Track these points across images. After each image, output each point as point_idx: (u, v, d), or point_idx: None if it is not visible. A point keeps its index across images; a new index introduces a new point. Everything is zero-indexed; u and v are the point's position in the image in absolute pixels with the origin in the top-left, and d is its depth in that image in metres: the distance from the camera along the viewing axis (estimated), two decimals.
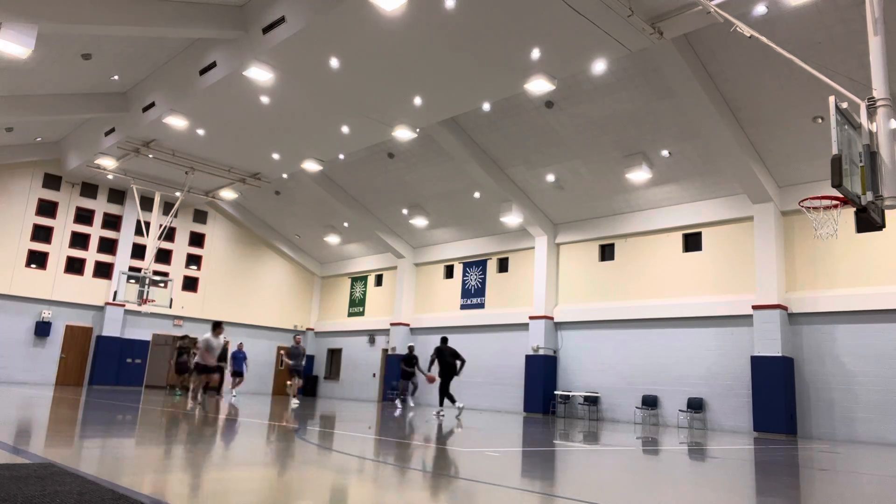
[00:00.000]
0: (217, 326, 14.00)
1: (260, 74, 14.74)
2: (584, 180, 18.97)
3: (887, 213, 6.86)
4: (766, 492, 4.97)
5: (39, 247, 23.64)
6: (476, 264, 23.93)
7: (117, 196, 25.73)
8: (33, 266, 23.44)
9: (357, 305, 28.96)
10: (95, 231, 25.02)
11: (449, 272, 25.11)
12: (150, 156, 20.90)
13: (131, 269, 25.02)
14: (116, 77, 17.60)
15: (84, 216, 24.85)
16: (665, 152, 16.83)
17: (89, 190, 25.04)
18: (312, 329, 30.73)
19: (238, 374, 19.48)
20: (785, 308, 15.90)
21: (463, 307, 24.09)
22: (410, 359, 18.60)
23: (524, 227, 21.52)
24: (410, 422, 11.98)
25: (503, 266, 23.14)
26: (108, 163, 21.79)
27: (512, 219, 20.67)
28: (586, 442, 9.43)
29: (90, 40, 15.18)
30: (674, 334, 17.98)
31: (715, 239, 17.74)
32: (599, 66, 14.50)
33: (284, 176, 23.06)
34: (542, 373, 20.10)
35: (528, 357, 20.63)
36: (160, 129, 18.85)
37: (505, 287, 22.81)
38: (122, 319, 25.10)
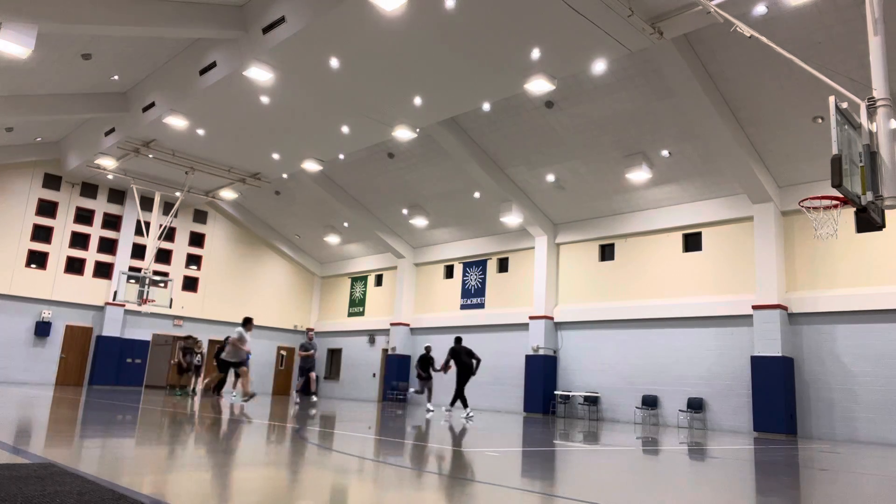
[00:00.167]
0: (248, 322, 14.09)
1: (260, 74, 14.74)
2: (584, 180, 18.97)
3: (887, 213, 6.87)
4: (766, 492, 4.97)
5: (39, 247, 23.65)
6: (476, 264, 23.93)
7: (117, 196, 25.73)
8: (33, 266, 23.44)
9: (357, 305, 28.96)
10: (95, 231, 25.02)
11: (449, 272, 25.12)
12: (150, 156, 20.90)
13: (131, 269, 25.02)
14: (116, 77, 17.60)
15: (84, 216, 24.85)
16: (665, 152, 16.83)
17: (89, 190, 25.04)
18: (312, 329, 30.71)
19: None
20: (785, 308, 15.90)
21: (463, 307, 24.09)
22: (427, 360, 17.35)
23: (524, 227, 21.52)
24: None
25: (503, 266, 23.15)
26: (108, 163, 21.79)
27: (512, 219, 20.67)
28: (586, 442, 9.43)
29: (90, 40, 15.18)
30: (674, 334, 17.98)
31: (715, 239, 17.74)
32: (599, 66, 14.50)
33: (284, 176, 23.06)
34: (542, 373, 20.11)
35: (528, 357, 20.63)
36: (160, 129, 18.85)
37: (505, 287, 22.81)
38: (122, 319, 25.10)
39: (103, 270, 25.06)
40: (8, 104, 17.71)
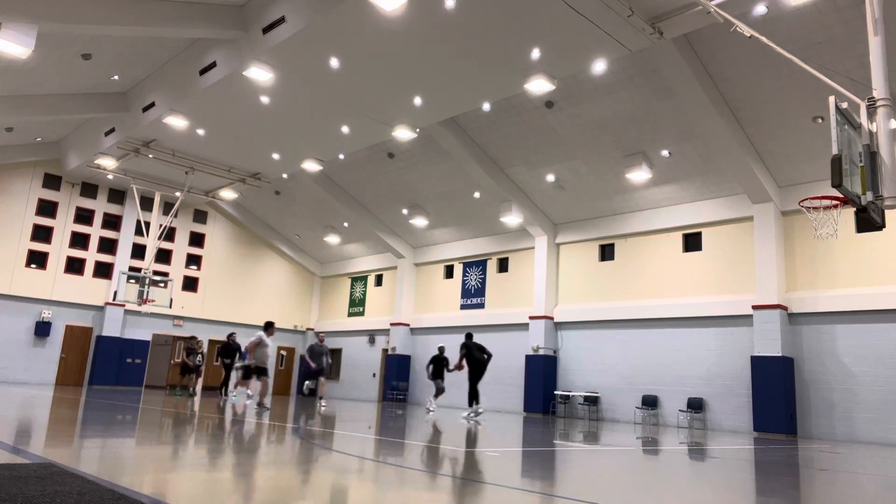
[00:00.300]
0: (270, 326, 13.57)
1: (260, 74, 14.74)
2: (584, 180, 18.97)
3: (887, 213, 6.86)
4: (766, 492, 4.97)
5: (39, 247, 23.64)
6: (476, 264, 23.93)
7: (117, 196, 25.73)
8: (33, 266, 23.44)
9: (357, 305, 28.96)
10: (95, 231, 25.02)
11: (449, 272, 25.12)
12: (150, 156, 20.90)
13: (131, 269, 25.01)
14: (116, 77, 17.60)
15: (84, 216, 24.85)
16: (665, 152, 16.83)
17: (89, 190, 25.04)
18: (312, 329, 30.72)
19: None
20: (785, 308, 15.90)
21: (463, 307, 24.09)
22: (441, 361, 16.62)
23: (524, 227, 21.52)
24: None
25: (503, 266, 23.14)
26: (108, 163, 21.79)
27: (512, 219, 20.67)
28: (586, 442, 9.43)
29: (90, 40, 15.18)
30: (674, 334, 17.98)
31: (715, 239, 17.74)
32: (599, 66, 14.50)
33: (284, 176, 23.06)
34: (542, 373, 20.10)
35: (528, 357, 20.63)
36: (160, 129, 18.85)
37: (505, 287, 22.81)
38: (122, 319, 25.10)
39: (103, 270, 25.06)
40: (8, 104, 17.71)
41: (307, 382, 16.57)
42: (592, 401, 19.14)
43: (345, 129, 18.02)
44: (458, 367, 14.83)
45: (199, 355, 20.07)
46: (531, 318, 20.97)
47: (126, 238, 25.51)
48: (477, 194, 21.39)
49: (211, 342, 27.31)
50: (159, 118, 17.87)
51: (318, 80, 15.15)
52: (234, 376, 19.96)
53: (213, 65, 15.41)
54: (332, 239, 27.43)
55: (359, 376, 27.75)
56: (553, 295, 21.03)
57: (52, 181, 24.11)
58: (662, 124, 16.09)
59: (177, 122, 17.99)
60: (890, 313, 14.62)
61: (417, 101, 15.94)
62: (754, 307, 16.14)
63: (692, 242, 18.32)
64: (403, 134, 17.72)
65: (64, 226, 24.26)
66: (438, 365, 16.57)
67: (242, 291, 28.61)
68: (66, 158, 23.16)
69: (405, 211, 23.78)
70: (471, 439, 8.56)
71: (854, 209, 6.34)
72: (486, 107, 17.07)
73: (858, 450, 11.21)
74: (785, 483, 5.58)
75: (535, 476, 5.10)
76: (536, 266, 21.29)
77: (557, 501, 3.95)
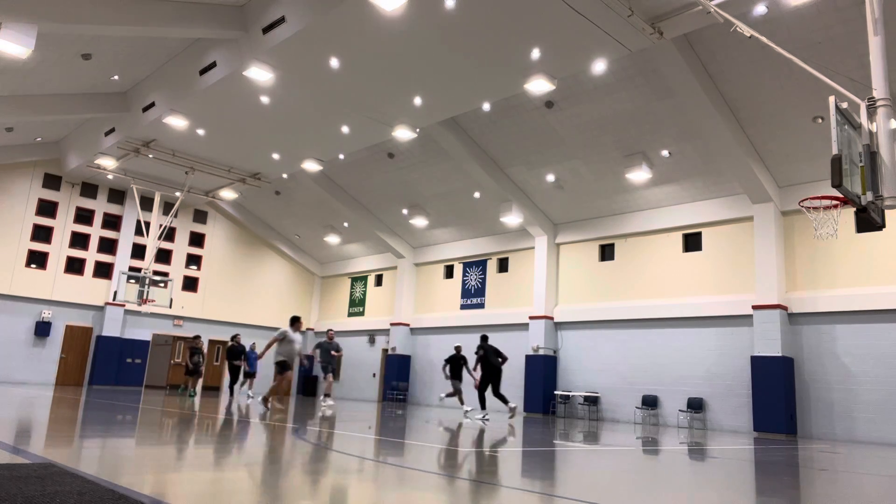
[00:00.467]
0: (296, 321, 12.75)
1: (260, 74, 14.74)
2: (584, 180, 18.97)
3: (887, 213, 6.86)
4: (766, 492, 4.97)
5: (39, 247, 23.65)
6: (476, 264, 23.93)
7: (117, 196, 25.74)
8: (33, 266, 23.44)
9: (357, 305, 28.96)
10: (95, 231, 25.02)
11: (449, 272, 25.12)
12: (150, 156, 20.90)
13: (131, 269, 25.02)
14: (116, 77, 17.60)
15: (84, 216, 24.85)
16: (665, 152, 16.83)
17: (89, 190, 25.04)
18: (312, 329, 30.73)
19: (251, 374, 19.98)
20: (785, 308, 15.90)
21: (463, 307, 24.09)
22: (458, 360, 16.01)
23: (524, 227, 21.52)
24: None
25: (503, 266, 23.15)
26: (108, 163, 21.79)
27: (512, 219, 20.67)
28: (586, 442, 9.43)
29: (90, 40, 15.18)
30: (674, 334, 17.98)
31: (715, 239, 17.74)
32: (599, 66, 14.50)
33: (284, 176, 23.06)
34: (542, 373, 20.10)
35: (528, 357, 20.63)
36: (160, 129, 18.85)
37: (505, 287, 22.81)
38: (122, 319, 25.10)
39: (103, 270, 25.06)
40: (8, 104, 17.71)
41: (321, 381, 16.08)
42: (592, 401, 19.14)
43: (345, 129, 18.02)
44: (473, 374, 14.49)
45: (200, 355, 20.08)
46: (531, 318, 20.97)
47: (126, 238, 25.52)
48: (477, 194, 21.39)
49: (211, 342, 27.32)
50: (159, 118, 17.87)
51: (318, 80, 15.15)
52: (241, 377, 20.07)
53: (213, 65, 15.41)
54: (332, 239, 27.43)
55: (359, 376, 27.75)
56: (553, 295, 21.03)
57: (52, 181, 24.11)
58: (662, 124, 16.09)
59: (177, 122, 17.99)
60: (890, 313, 14.62)
61: (417, 101, 15.94)
62: (754, 307, 16.14)
63: (692, 242, 18.32)
64: (403, 134, 17.72)
65: (64, 226, 24.27)
66: (456, 365, 15.96)
67: (242, 291, 28.62)
68: (66, 158, 23.16)
69: (405, 211, 23.78)
70: (471, 439, 8.56)
71: (854, 209, 6.34)
72: (486, 107, 17.08)
73: (858, 450, 11.21)
74: (785, 483, 5.58)
75: (535, 476, 5.10)
76: (536, 266, 21.30)
77: (557, 501, 3.95)
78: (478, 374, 14.66)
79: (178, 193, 23.85)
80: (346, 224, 26.49)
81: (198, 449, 5.64)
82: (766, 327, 15.77)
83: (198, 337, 20.59)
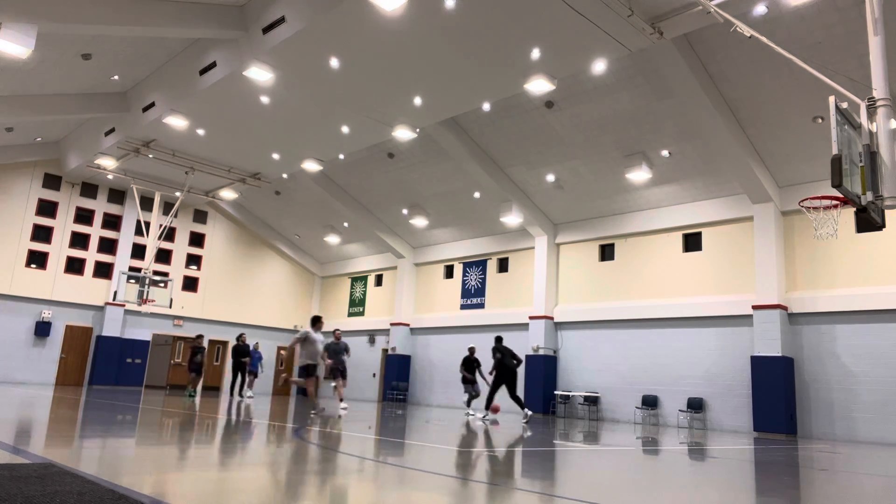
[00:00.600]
0: (317, 321, 12.35)
1: (260, 74, 14.74)
2: (584, 180, 18.97)
3: (887, 213, 6.86)
4: (766, 492, 4.97)
5: (39, 247, 23.64)
6: (476, 264, 23.93)
7: (117, 196, 25.73)
8: (33, 266, 23.44)
9: (357, 305, 28.96)
10: (95, 231, 25.02)
11: (449, 272, 25.12)
12: (150, 156, 20.90)
13: (131, 269, 25.02)
14: (116, 77, 17.60)
15: (84, 216, 24.85)
16: (665, 152, 16.83)
17: (89, 190, 25.04)
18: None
19: (253, 373, 20.14)
20: (785, 308, 15.90)
21: (463, 307, 24.09)
22: (472, 363, 15.86)
23: (524, 227, 21.52)
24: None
25: (503, 266, 23.14)
26: (108, 163, 21.79)
27: (512, 219, 20.67)
28: (586, 442, 9.43)
29: (90, 40, 15.18)
30: (674, 334, 17.98)
31: (715, 239, 17.74)
32: (599, 66, 14.50)
33: (284, 176, 23.06)
34: (542, 373, 20.10)
35: (528, 357, 20.63)
36: (160, 129, 18.85)
37: (505, 287, 22.81)
38: (122, 319, 25.10)
39: (103, 270, 25.05)
40: (8, 104, 17.71)
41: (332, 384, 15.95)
42: (592, 401, 19.14)
43: (345, 129, 18.02)
44: (487, 379, 14.36)
45: (202, 354, 20.08)
46: (531, 318, 20.97)
47: (126, 238, 25.51)
48: (477, 194, 21.39)
49: (211, 342, 27.31)
50: (159, 118, 17.87)
51: (318, 80, 15.15)
52: (247, 378, 20.15)
53: (213, 65, 15.41)
54: (332, 239, 27.43)
55: (359, 376, 27.74)
56: (553, 295, 21.03)
57: (52, 181, 24.10)
58: (662, 124, 16.09)
59: (177, 122, 17.99)
60: (890, 313, 14.62)
61: (417, 101, 15.94)
62: (754, 307, 16.14)
63: (692, 242, 18.32)
64: (403, 134, 17.72)
65: (64, 226, 24.26)
66: (470, 367, 15.74)
67: (242, 291, 28.62)
68: (66, 158, 23.16)
69: (405, 211, 23.78)
70: (471, 440, 8.56)
71: (854, 209, 6.34)
72: (486, 107, 17.08)
73: (858, 450, 11.21)
74: (785, 483, 5.58)
75: (535, 476, 5.10)
76: (536, 266, 21.29)
77: (557, 501, 3.95)
78: (491, 378, 14.56)
79: (178, 193, 23.85)
80: (346, 224, 26.49)
81: (198, 449, 5.64)
82: (766, 327, 15.77)
83: (200, 336, 20.58)
